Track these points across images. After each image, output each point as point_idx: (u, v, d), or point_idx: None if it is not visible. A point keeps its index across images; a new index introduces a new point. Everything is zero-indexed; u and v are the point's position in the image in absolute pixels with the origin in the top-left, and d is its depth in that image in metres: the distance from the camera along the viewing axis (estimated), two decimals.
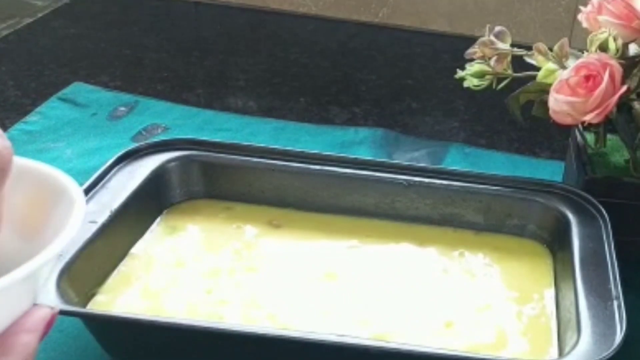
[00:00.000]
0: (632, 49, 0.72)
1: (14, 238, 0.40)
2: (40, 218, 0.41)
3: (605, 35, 0.71)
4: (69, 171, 0.97)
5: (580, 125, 0.76)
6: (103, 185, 0.70)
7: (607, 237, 0.68)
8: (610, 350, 0.56)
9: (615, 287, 0.62)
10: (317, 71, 1.14)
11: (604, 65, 0.69)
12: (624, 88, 0.69)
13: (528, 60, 0.75)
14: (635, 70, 0.71)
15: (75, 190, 0.41)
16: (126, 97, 1.01)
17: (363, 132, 0.97)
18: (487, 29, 0.76)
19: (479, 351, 0.60)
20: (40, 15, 1.28)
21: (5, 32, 1.21)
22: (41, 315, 0.37)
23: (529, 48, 0.75)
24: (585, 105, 0.69)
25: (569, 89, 0.69)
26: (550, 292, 0.68)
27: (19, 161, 0.39)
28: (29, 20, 1.26)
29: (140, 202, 0.71)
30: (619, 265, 0.64)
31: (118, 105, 1.00)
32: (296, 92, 1.07)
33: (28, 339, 0.36)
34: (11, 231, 0.40)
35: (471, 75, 0.76)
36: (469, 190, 0.74)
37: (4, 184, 0.36)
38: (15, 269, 0.35)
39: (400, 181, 0.75)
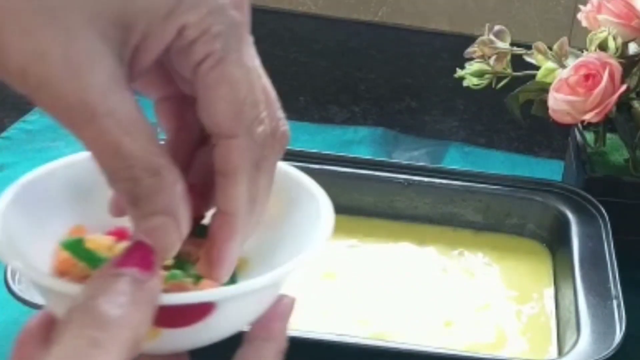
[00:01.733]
0: (632, 48, 0.72)
1: (267, 230, 0.42)
2: (286, 212, 0.43)
3: (604, 34, 0.71)
4: None
5: (579, 125, 0.76)
6: None
7: (607, 236, 0.68)
8: (610, 350, 0.56)
9: (615, 286, 0.62)
10: (317, 70, 1.14)
11: (604, 64, 0.68)
12: (624, 87, 0.69)
13: (527, 59, 0.75)
14: (634, 69, 0.71)
15: (319, 191, 0.43)
16: None
17: (362, 131, 0.97)
18: (486, 28, 0.76)
19: (479, 350, 0.60)
20: None
21: None
22: (288, 304, 0.42)
23: (529, 47, 0.75)
24: (585, 104, 0.69)
25: (568, 88, 0.69)
26: (549, 292, 0.68)
27: None
28: None
29: None
30: (618, 265, 0.64)
31: None
32: (295, 91, 1.07)
33: (283, 325, 0.41)
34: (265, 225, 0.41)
35: (471, 74, 0.76)
36: (468, 189, 0.74)
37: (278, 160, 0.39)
38: (273, 261, 0.40)
39: (400, 180, 0.75)
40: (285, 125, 0.39)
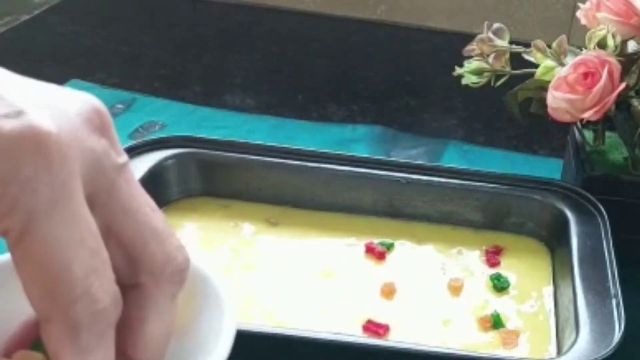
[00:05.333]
0: (631, 45, 0.72)
1: None
2: (189, 318, 0.40)
3: (603, 32, 0.71)
4: None
5: (578, 123, 0.76)
6: None
7: (606, 234, 0.68)
8: (609, 349, 0.55)
9: (614, 285, 0.62)
10: (315, 68, 1.14)
11: (603, 63, 0.68)
12: (623, 85, 0.69)
13: (526, 57, 0.75)
14: (634, 67, 0.71)
15: (227, 298, 0.41)
16: (123, 94, 1.01)
17: (361, 129, 0.97)
18: (485, 26, 0.76)
19: (477, 349, 0.60)
20: (37, 12, 1.28)
21: (2, 29, 1.20)
22: None
23: (528, 45, 0.75)
24: (584, 102, 0.68)
25: (567, 86, 0.69)
26: (548, 290, 0.68)
27: None
28: (26, 17, 1.26)
29: None
30: (617, 263, 0.64)
31: (115, 103, 1.00)
32: (294, 90, 1.07)
33: None
34: None
35: (469, 72, 0.76)
36: (467, 188, 0.74)
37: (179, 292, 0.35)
38: None
39: (398, 179, 0.74)
40: (175, 258, 0.35)
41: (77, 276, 0.30)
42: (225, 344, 0.37)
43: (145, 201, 0.34)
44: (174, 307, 0.35)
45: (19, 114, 0.29)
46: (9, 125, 0.29)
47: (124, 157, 0.33)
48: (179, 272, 0.35)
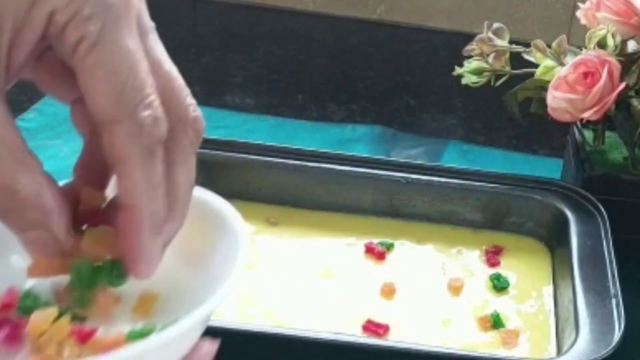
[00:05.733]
0: (631, 45, 0.72)
1: (180, 264, 0.40)
2: (203, 248, 0.41)
3: (603, 31, 0.71)
4: (66, 169, 0.97)
5: (578, 123, 0.76)
6: None
7: (606, 234, 0.68)
8: (609, 349, 0.55)
9: (614, 285, 0.62)
10: (315, 68, 1.14)
11: (603, 62, 0.68)
12: (623, 85, 0.69)
13: (526, 57, 0.75)
14: (634, 67, 0.71)
15: (240, 225, 0.42)
16: None
17: (361, 129, 0.97)
18: (485, 25, 0.76)
19: (477, 349, 0.60)
20: None
21: None
22: (208, 350, 0.37)
23: (527, 45, 0.75)
24: (584, 102, 0.68)
25: (567, 86, 0.69)
26: (548, 290, 0.68)
27: None
28: None
29: None
30: (617, 263, 0.64)
31: None
32: (294, 89, 1.07)
33: None
34: (177, 258, 0.40)
35: (469, 72, 0.76)
36: (467, 187, 0.74)
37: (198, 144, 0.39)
38: (184, 298, 0.37)
39: (398, 179, 0.74)
40: (196, 111, 0.38)
41: (143, 80, 0.34)
42: (236, 275, 0.38)
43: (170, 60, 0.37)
44: (194, 159, 0.39)
45: None
46: None
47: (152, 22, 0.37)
48: (200, 121, 0.39)
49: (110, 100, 0.34)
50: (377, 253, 0.70)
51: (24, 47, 0.34)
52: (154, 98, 0.35)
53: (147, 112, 0.35)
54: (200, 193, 0.41)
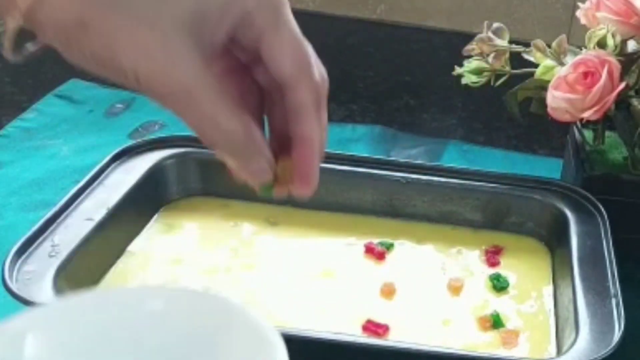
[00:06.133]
0: (631, 45, 0.72)
1: None
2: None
3: (603, 31, 0.71)
4: (65, 168, 0.97)
5: (578, 122, 0.76)
6: (100, 182, 0.70)
7: (606, 234, 0.68)
8: (609, 349, 0.55)
9: (614, 285, 0.62)
10: None
11: (603, 62, 0.68)
12: (623, 85, 0.69)
13: (526, 57, 0.75)
14: (633, 67, 0.71)
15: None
16: (123, 93, 1.01)
17: (361, 129, 0.97)
18: (485, 25, 0.76)
19: (477, 349, 0.60)
20: None
21: (1, 29, 1.20)
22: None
23: (527, 45, 0.75)
24: (584, 102, 0.68)
25: (567, 85, 0.69)
26: (548, 290, 0.68)
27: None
28: None
29: (137, 199, 0.71)
30: (617, 263, 0.64)
31: (115, 102, 0.99)
32: None
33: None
34: None
35: (469, 72, 0.76)
36: (466, 187, 0.74)
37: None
38: None
39: (398, 178, 0.74)
40: (322, 67, 0.49)
41: (309, 50, 0.47)
42: None
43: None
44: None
45: None
46: None
47: None
48: (326, 80, 0.49)
49: (293, 67, 0.46)
50: (377, 253, 0.70)
51: (221, 34, 0.45)
52: (318, 62, 0.48)
53: (317, 73, 0.47)
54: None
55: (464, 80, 0.76)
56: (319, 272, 0.68)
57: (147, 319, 0.44)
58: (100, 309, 0.43)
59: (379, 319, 0.63)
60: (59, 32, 0.43)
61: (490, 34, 0.76)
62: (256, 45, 0.46)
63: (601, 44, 0.71)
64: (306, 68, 0.47)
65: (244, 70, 0.49)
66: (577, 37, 0.76)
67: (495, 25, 0.76)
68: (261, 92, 0.50)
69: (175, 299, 0.45)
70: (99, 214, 0.66)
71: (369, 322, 0.62)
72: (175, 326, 0.44)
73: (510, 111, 0.76)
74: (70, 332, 0.43)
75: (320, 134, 0.48)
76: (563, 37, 0.73)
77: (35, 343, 0.42)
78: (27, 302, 0.56)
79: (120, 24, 0.42)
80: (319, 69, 0.48)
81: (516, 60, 0.76)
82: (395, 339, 0.60)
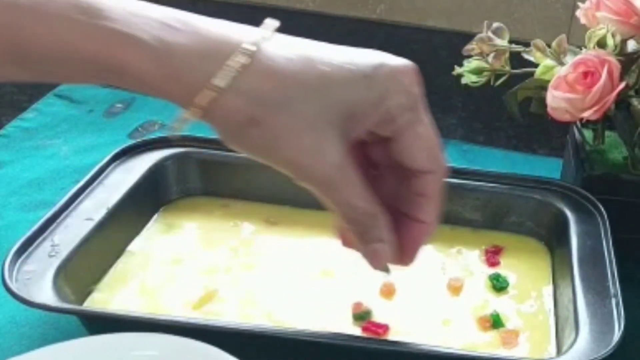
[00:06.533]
0: (631, 45, 0.72)
1: None
2: None
3: (603, 31, 0.71)
4: (65, 168, 0.97)
5: (578, 122, 0.76)
6: (100, 182, 0.70)
7: (606, 234, 0.68)
8: (609, 349, 0.55)
9: (614, 285, 0.62)
10: None
11: (602, 62, 0.68)
12: (623, 84, 0.69)
13: (526, 56, 0.75)
14: (633, 67, 0.71)
15: None
16: (123, 93, 1.01)
17: None
18: (485, 25, 0.76)
19: (476, 349, 0.60)
20: None
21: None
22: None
23: (527, 44, 0.75)
24: (584, 102, 0.68)
25: (567, 85, 0.69)
26: (548, 290, 0.68)
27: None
28: None
29: (137, 199, 0.71)
30: (617, 263, 0.64)
31: (114, 102, 0.99)
32: None
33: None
34: None
35: (469, 71, 0.76)
36: (466, 187, 0.74)
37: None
38: None
39: None
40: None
41: (439, 145, 0.53)
42: None
43: None
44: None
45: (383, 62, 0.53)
46: (399, 62, 0.53)
47: None
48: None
49: (428, 160, 0.52)
50: None
51: (363, 129, 0.51)
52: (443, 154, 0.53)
53: (445, 165, 0.53)
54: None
55: (463, 80, 0.76)
56: (319, 272, 0.68)
57: None
58: (93, 355, 0.43)
59: (379, 319, 0.63)
60: (230, 126, 0.48)
61: (490, 34, 0.76)
62: (391, 136, 0.51)
63: (601, 44, 0.71)
64: (438, 161, 0.53)
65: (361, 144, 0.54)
66: (577, 36, 0.76)
67: (495, 25, 0.76)
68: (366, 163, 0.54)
69: (166, 346, 0.45)
70: (99, 214, 0.66)
71: (369, 322, 0.62)
72: None
73: (510, 111, 0.76)
74: None
75: (436, 219, 0.55)
76: (563, 36, 0.73)
77: None
78: (26, 302, 0.56)
79: (286, 122, 0.48)
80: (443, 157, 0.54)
81: (516, 60, 0.75)
82: (395, 339, 0.60)
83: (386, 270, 0.56)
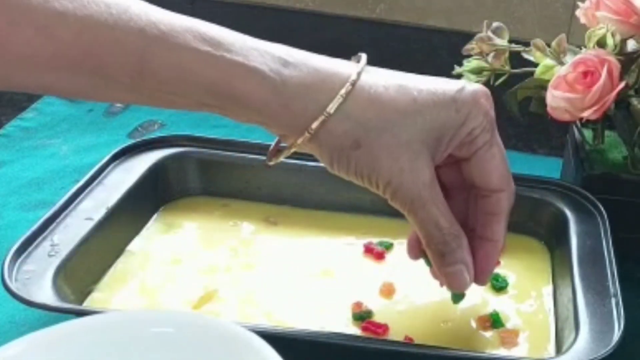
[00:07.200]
0: (631, 44, 0.72)
1: None
2: None
3: (603, 31, 0.71)
4: (65, 168, 0.97)
5: (578, 122, 0.76)
6: (99, 182, 0.70)
7: (605, 234, 0.68)
8: (608, 348, 0.55)
9: (614, 284, 0.62)
10: None
11: (602, 61, 0.68)
12: (622, 84, 0.69)
13: (526, 56, 0.75)
14: (633, 66, 0.71)
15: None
16: None
17: None
18: (484, 24, 0.76)
19: (477, 349, 0.60)
20: None
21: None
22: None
23: (527, 44, 0.75)
24: (583, 101, 0.68)
25: (566, 85, 0.69)
26: (548, 289, 0.68)
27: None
28: None
29: (137, 199, 0.71)
30: (617, 262, 0.64)
31: (114, 102, 0.99)
32: None
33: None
34: None
35: (469, 71, 0.76)
36: None
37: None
38: None
39: None
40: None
41: (509, 166, 0.57)
42: None
43: None
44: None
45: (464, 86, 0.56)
46: (478, 86, 0.57)
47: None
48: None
49: (499, 179, 0.56)
50: (376, 253, 0.70)
51: (448, 150, 0.55)
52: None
53: (513, 185, 0.57)
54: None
55: (463, 80, 0.76)
56: (318, 272, 0.68)
57: (154, 342, 0.44)
58: (107, 331, 0.44)
59: (380, 318, 0.63)
60: (334, 150, 0.54)
61: (489, 34, 0.76)
62: (469, 155, 0.56)
63: (601, 44, 0.71)
64: (509, 181, 0.57)
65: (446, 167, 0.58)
66: (576, 36, 0.76)
67: (495, 24, 0.76)
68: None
69: (184, 324, 0.45)
70: (99, 214, 0.66)
71: (368, 322, 0.62)
72: (183, 350, 0.44)
73: (509, 110, 0.76)
74: (79, 353, 0.43)
75: (504, 237, 0.58)
76: (563, 36, 0.73)
77: None
78: (26, 302, 0.56)
79: (386, 144, 0.53)
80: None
81: (516, 59, 0.75)
82: (395, 338, 0.60)
83: (463, 290, 0.59)
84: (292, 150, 0.55)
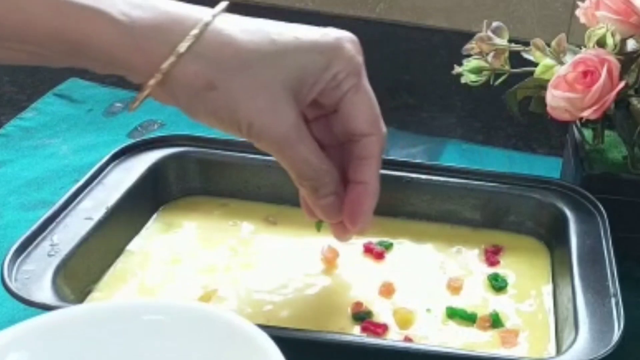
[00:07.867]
0: (630, 44, 0.72)
1: None
2: None
3: (603, 30, 0.71)
4: (64, 168, 0.97)
5: (578, 121, 0.76)
6: (99, 181, 0.70)
7: (605, 233, 0.68)
8: (608, 348, 0.55)
9: (613, 284, 0.62)
10: None
11: (602, 61, 0.68)
12: (622, 84, 0.69)
13: (526, 55, 0.75)
14: (633, 66, 0.71)
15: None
16: (122, 93, 1.01)
17: None
18: (484, 24, 0.76)
19: (476, 348, 0.60)
20: None
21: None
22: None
23: (527, 44, 0.75)
24: (583, 101, 0.68)
25: (566, 84, 0.69)
26: (547, 289, 0.68)
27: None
28: None
29: (136, 198, 0.71)
30: (616, 262, 0.64)
31: (114, 101, 0.99)
32: None
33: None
34: None
35: (468, 70, 0.76)
36: (466, 186, 0.74)
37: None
38: None
39: (397, 177, 0.74)
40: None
41: (378, 108, 0.58)
42: None
43: None
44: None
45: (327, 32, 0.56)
46: (344, 32, 0.57)
47: None
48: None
49: (368, 123, 0.57)
50: (375, 253, 0.70)
51: (313, 94, 0.55)
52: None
53: (384, 127, 0.58)
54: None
55: (463, 79, 0.76)
56: (319, 272, 0.68)
57: (146, 331, 0.44)
58: (98, 321, 0.43)
59: (379, 317, 0.63)
60: (190, 91, 0.53)
61: (489, 33, 0.76)
62: (336, 102, 0.56)
63: (601, 43, 0.71)
64: (378, 123, 0.57)
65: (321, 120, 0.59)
66: (576, 36, 0.76)
67: (495, 24, 0.76)
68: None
69: (175, 312, 0.45)
70: (98, 213, 0.66)
71: (368, 321, 0.62)
72: (175, 338, 0.44)
73: (509, 110, 0.76)
74: (69, 343, 0.43)
75: (377, 180, 0.58)
76: (562, 36, 0.73)
77: (30, 357, 0.42)
78: (26, 302, 0.56)
79: (242, 85, 0.52)
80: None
81: (515, 59, 0.75)
82: (394, 338, 0.60)
83: (339, 219, 0.60)
84: (146, 93, 0.54)
